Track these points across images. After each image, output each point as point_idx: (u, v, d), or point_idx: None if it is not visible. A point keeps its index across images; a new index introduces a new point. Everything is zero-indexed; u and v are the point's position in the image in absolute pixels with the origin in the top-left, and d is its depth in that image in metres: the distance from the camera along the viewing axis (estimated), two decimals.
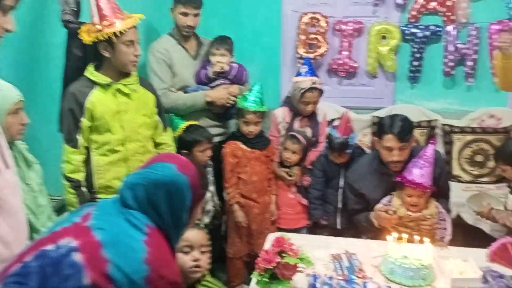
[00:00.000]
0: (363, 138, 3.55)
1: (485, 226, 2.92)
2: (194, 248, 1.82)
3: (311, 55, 3.47)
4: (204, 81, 2.80)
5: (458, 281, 1.93)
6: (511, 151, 2.50)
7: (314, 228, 2.89)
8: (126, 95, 2.25)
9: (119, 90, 2.22)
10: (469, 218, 2.95)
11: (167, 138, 2.50)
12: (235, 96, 2.77)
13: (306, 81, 2.75)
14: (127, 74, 2.24)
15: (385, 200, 2.47)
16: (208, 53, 2.83)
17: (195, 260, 1.81)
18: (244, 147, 2.76)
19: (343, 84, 3.64)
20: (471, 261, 2.06)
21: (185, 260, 1.79)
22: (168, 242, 1.36)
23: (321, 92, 2.82)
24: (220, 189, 2.83)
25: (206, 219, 2.68)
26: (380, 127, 2.41)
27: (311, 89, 2.74)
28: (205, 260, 1.85)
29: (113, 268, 1.20)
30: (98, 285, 1.19)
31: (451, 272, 1.98)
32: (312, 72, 2.85)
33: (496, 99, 3.38)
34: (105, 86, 2.19)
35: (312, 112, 2.85)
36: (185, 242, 1.79)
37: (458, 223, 2.91)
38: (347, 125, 2.69)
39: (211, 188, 2.73)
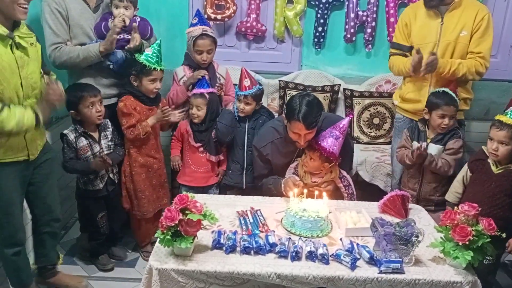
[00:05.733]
0: (271, 102, 3.62)
1: (380, 182, 3.17)
2: None
3: (219, 16, 3.42)
4: (104, 35, 2.61)
5: (351, 230, 2.09)
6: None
7: (224, 189, 2.94)
8: (23, 48, 2.06)
9: (16, 43, 2.01)
10: (366, 176, 3.18)
11: None
12: (137, 46, 2.63)
13: (197, 30, 2.80)
14: (17, 24, 2.03)
15: (292, 166, 2.57)
16: (110, 5, 2.65)
17: None
18: (142, 105, 2.69)
19: (252, 48, 3.65)
20: (364, 213, 2.23)
21: None
22: None
23: (214, 40, 2.83)
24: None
25: (100, 185, 2.59)
26: (288, 111, 2.41)
27: (202, 35, 2.77)
28: None
29: None
30: None
31: (346, 223, 2.13)
32: (203, 22, 2.88)
33: None
34: (1, 37, 1.97)
35: (208, 63, 2.85)
36: None
37: (357, 180, 3.12)
38: (249, 78, 2.74)
39: (107, 152, 2.60)
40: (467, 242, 1.79)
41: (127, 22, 2.59)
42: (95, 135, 2.58)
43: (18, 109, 2.01)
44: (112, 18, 2.63)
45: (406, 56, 2.80)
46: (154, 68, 2.61)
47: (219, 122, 2.77)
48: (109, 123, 2.66)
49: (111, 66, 2.64)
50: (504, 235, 1.87)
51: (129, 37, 2.61)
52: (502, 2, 3.48)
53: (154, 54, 2.61)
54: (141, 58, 2.60)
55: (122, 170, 2.75)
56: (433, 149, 2.55)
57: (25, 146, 2.15)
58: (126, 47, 2.61)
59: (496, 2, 3.47)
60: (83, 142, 2.53)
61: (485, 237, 1.82)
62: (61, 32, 2.54)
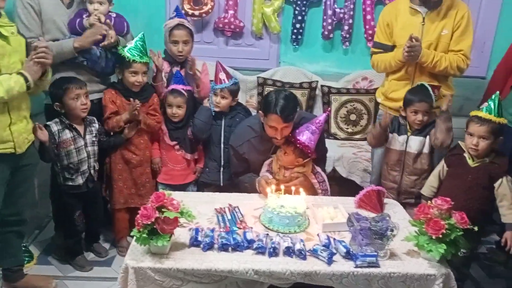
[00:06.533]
0: (250, 99, 3.62)
1: (356, 178, 3.21)
2: None
3: (197, 12, 3.39)
4: (79, 32, 2.57)
5: (328, 225, 2.11)
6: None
7: (201, 186, 2.92)
8: (4, 37, 2.03)
9: None
10: (343, 171, 3.21)
11: None
12: (112, 43, 2.59)
13: (173, 21, 2.80)
14: None
15: (266, 163, 2.57)
16: (85, 1, 2.60)
17: None
18: (123, 99, 2.66)
19: (230, 44, 3.64)
20: (341, 208, 2.25)
21: None
22: None
23: (190, 32, 2.82)
24: (102, 152, 2.69)
25: (80, 180, 2.55)
26: (265, 105, 2.43)
27: (178, 25, 2.77)
28: None
29: None
30: None
31: (323, 218, 2.15)
32: (181, 16, 2.88)
33: (368, 63, 3.62)
34: None
35: (185, 56, 2.83)
36: None
37: (334, 176, 3.16)
38: (224, 72, 2.74)
39: (91, 148, 2.57)
40: (441, 236, 1.83)
41: (103, 19, 2.55)
42: (81, 129, 2.53)
43: (2, 77, 1.99)
44: (87, 14, 2.59)
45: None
46: (134, 61, 2.58)
47: (197, 118, 2.75)
48: (95, 119, 2.63)
49: (85, 63, 2.59)
50: (476, 228, 1.92)
51: (105, 33, 2.57)
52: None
53: (136, 47, 2.60)
54: (122, 51, 2.58)
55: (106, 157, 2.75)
56: (415, 141, 2.57)
57: (11, 139, 2.12)
58: (100, 44, 2.57)
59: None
60: (67, 135, 2.48)
61: (458, 230, 1.86)
62: (34, 27, 2.48)
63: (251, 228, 2.07)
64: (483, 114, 2.28)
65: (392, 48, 2.77)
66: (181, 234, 1.99)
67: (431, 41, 2.65)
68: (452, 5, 2.67)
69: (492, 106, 2.27)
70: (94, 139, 2.59)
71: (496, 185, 2.28)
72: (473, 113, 2.35)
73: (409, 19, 2.70)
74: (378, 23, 2.88)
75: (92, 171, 2.60)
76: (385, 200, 2.41)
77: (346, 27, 3.51)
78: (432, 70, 2.65)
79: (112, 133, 2.70)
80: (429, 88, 2.57)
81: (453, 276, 1.89)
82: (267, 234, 2.01)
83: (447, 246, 1.83)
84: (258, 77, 3.55)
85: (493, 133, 2.25)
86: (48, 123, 2.46)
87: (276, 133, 2.41)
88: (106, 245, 2.91)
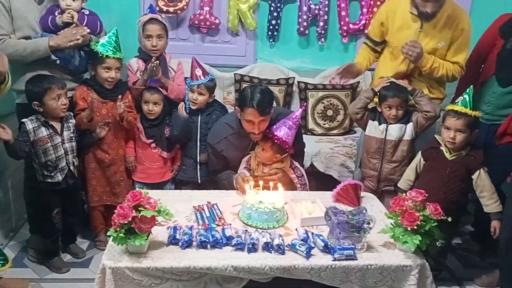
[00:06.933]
0: (227, 96, 3.61)
1: (334, 172, 3.24)
2: None
3: (171, 9, 3.36)
4: (51, 29, 2.51)
5: (306, 220, 2.13)
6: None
7: (179, 185, 2.91)
8: None
9: None
10: (321, 166, 3.24)
11: None
12: (85, 40, 2.55)
13: (146, 16, 2.79)
14: None
15: (244, 160, 2.58)
16: None
17: None
18: (95, 95, 2.62)
19: (206, 41, 3.62)
20: (319, 202, 2.28)
21: None
22: None
23: (164, 27, 2.79)
24: (79, 150, 2.65)
25: (60, 177, 2.49)
26: (241, 100, 2.44)
27: (151, 20, 2.75)
28: None
29: None
30: None
31: (301, 213, 2.16)
32: (154, 12, 2.87)
33: (344, 58, 3.69)
34: None
35: (160, 51, 2.81)
36: None
37: (312, 171, 3.18)
38: (200, 68, 2.73)
39: (68, 144, 2.52)
40: (415, 227, 1.87)
41: (76, 17, 2.50)
42: (57, 126, 2.48)
43: None
44: (59, 11, 2.53)
45: (376, 51, 2.88)
46: (107, 56, 2.55)
47: (174, 130, 2.73)
48: (72, 115, 2.58)
49: (58, 62, 2.54)
50: (450, 219, 1.97)
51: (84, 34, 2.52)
52: None
53: (109, 43, 2.57)
54: (95, 46, 2.55)
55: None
56: (395, 129, 2.60)
57: None
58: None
59: None
60: (43, 132, 2.42)
61: (432, 221, 1.91)
62: (4, 24, 2.41)
63: (230, 224, 2.07)
64: (459, 108, 2.34)
65: (380, 43, 2.81)
66: (159, 233, 1.98)
67: (426, 50, 2.61)
68: (453, 15, 2.60)
69: (467, 100, 2.33)
70: (71, 135, 2.54)
71: (474, 177, 2.35)
72: (449, 107, 2.40)
73: (407, 22, 2.66)
74: (375, 17, 2.89)
75: (71, 167, 2.55)
76: (362, 194, 2.45)
77: (321, 24, 3.54)
78: (429, 75, 2.67)
79: (85, 131, 2.65)
80: (402, 85, 2.62)
81: (428, 266, 1.93)
82: (246, 230, 2.01)
83: (422, 237, 1.88)
84: (235, 74, 3.54)
85: (469, 126, 2.32)
86: (23, 120, 2.40)
87: (254, 127, 2.41)
88: (84, 246, 2.86)
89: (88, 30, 2.52)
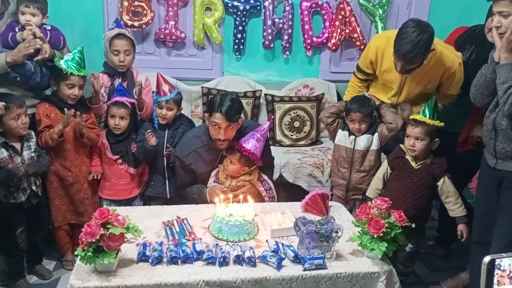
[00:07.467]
0: (195, 109, 3.61)
1: (303, 183, 3.28)
2: None
3: (136, 23, 3.35)
4: (11, 46, 2.45)
5: (276, 231, 2.15)
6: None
7: (148, 200, 2.87)
8: None
9: None
10: (290, 177, 3.28)
11: None
12: (49, 55, 2.50)
13: (113, 31, 2.78)
14: None
15: (213, 174, 2.58)
16: (18, 12, 2.49)
17: None
18: (58, 112, 2.58)
19: (172, 55, 3.63)
20: (288, 213, 2.30)
21: None
22: None
23: (132, 42, 2.79)
24: None
25: (23, 197, 2.43)
26: (210, 105, 2.46)
27: (118, 35, 2.75)
28: None
29: None
30: None
31: (271, 224, 2.18)
32: (121, 27, 2.87)
33: (309, 71, 3.79)
34: None
35: (127, 67, 2.80)
36: None
37: (281, 182, 3.21)
38: (166, 83, 2.73)
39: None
40: (381, 234, 1.92)
41: (38, 33, 2.44)
42: (17, 145, 2.41)
43: None
44: (20, 27, 2.48)
45: (367, 80, 2.87)
46: (71, 73, 2.51)
47: (140, 155, 2.72)
48: (33, 133, 2.51)
49: (18, 78, 2.48)
50: (413, 225, 2.03)
51: (39, 47, 2.47)
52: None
53: (74, 60, 2.54)
54: (59, 63, 2.51)
55: None
56: (362, 139, 2.67)
57: None
58: (35, 59, 2.47)
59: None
60: (3, 153, 2.35)
61: (397, 228, 1.96)
62: None
63: (200, 239, 2.06)
64: (418, 117, 2.44)
65: (371, 74, 2.81)
66: (128, 250, 1.95)
67: (413, 92, 2.65)
68: (441, 61, 2.56)
69: (427, 110, 2.43)
70: (32, 154, 2.47)
71: (439, 183, 2.45)
72: (411, 116, 2.51)
73: (393, 65, 2.58)
74: (364, 52, 2.80)
75: (33, 187, 2.49)
76: (330, 203, 2.49)
77: (285, 37, 3.61)
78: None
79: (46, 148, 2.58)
80: (367, 99, 2.70)
81: (395, 272, 1.99)
82: (217, 244, 2.01)
83: (388, 244, 1.93)
84: (202, 87, 3.55)
85: (427, 134, 2.41)
86: None
87: (220, 132, 2.41)
88: (50, 267, 2.78)
89: (40, 42, 2.43)
